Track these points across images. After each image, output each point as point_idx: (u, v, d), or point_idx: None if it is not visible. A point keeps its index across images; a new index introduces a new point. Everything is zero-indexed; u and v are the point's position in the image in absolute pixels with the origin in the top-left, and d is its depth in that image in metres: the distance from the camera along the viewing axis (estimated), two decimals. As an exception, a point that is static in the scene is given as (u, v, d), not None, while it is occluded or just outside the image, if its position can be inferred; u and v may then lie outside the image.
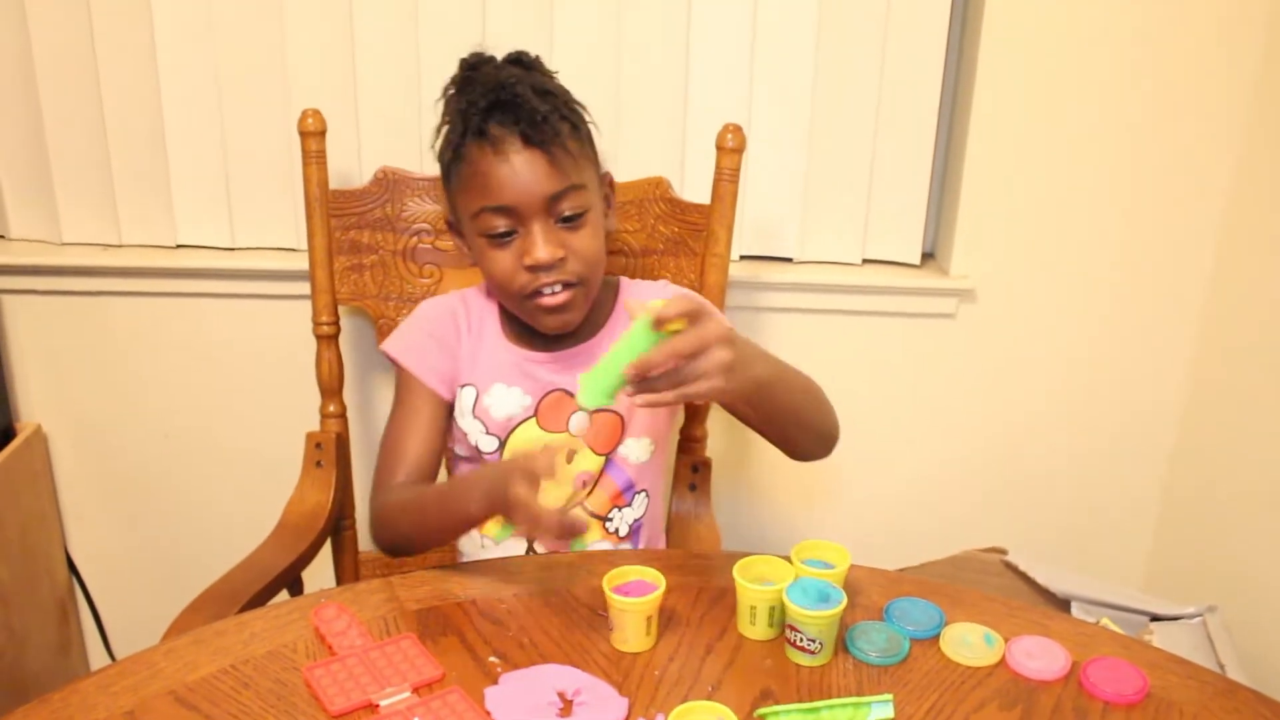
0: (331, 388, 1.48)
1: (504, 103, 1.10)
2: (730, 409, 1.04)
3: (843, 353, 1.67)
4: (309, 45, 1.52)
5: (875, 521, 1.73)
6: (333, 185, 1.47)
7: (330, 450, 1.46)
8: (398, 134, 1.56)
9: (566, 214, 1.12)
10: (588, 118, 1.18)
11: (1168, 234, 1.57)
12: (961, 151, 1.58)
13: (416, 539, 1.08)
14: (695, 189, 1.54)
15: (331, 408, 1.48)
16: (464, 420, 1.21)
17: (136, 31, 1.50)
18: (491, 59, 1.16)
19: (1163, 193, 1.55)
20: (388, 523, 1.10)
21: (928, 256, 1.69)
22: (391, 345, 1.22)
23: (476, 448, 1.22)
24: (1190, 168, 1.53)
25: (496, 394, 1.21)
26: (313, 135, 1.43)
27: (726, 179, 1.41)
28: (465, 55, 1.17)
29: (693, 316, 0.91)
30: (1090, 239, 1.58)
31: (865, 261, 1.65)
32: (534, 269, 1.13)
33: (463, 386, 1.21)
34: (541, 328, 1.19)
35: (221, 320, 1.64)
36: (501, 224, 1.13)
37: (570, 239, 1.13)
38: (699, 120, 1.55)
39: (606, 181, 1.21)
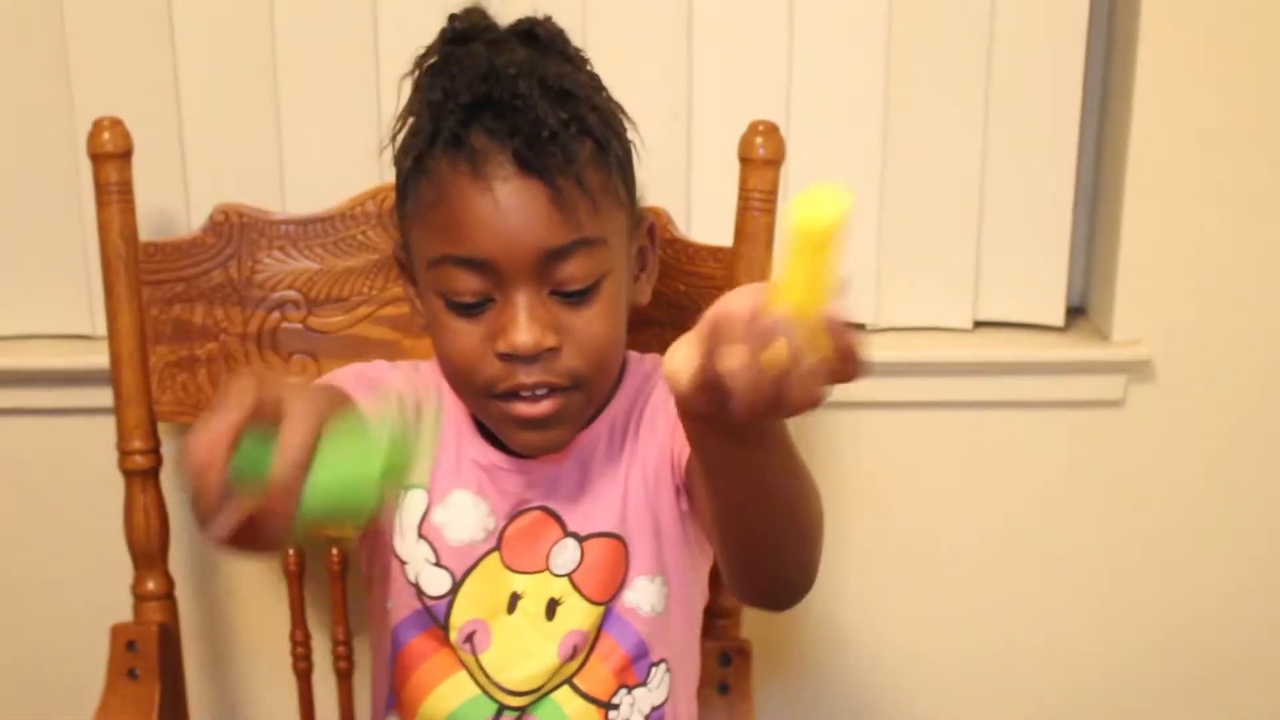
0: (149, 552, 1.48)
1: (496, 102, 1.13)
2: (706, 459, 0.98)
3: (944, 466, 1.68)
4: (101, 30, 1.56)
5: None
6: (146, 235, 1.49)
7: (150, 652, 1.45)
8: (244, 154, 1.58)
9: (570, 287, 1.15)
10: (628, 132, 1.21)
11: None
12: (1120, 151, 1.60)
13: None
14: (709, 224, 1.55)
15: (150, 584, 1.49)
16: (403, 542, 1.25)
17: None
18: (489, 26, 1.19)
19: None
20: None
21: (1076, 314, 1.70)
22: (324, 379, 1.26)
23: (418, 589, 1.25)
24: None
25: (455, 506, 1.25)
26: (112, 159, 1.44)
27: (757, 207, 1.42)
28: (454, 12, 1.20)
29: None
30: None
31: (978, 325, 1.66)
32: (509, 358, 1.14)
33: (405, 489, 1.23)
34: (510, 443, 1.22)
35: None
36: (471, 286, 1.14)
37: (571, 320, 1.15)
38: (711, 121, 1.58)
39: (644, 228, 1.25)
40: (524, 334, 1.13)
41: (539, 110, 1.12)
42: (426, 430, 0.84)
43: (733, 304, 0.79)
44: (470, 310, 1.15)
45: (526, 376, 1.15)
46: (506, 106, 1.12)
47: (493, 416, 1.20)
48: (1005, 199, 1.62)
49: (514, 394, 1.16)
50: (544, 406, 1.16)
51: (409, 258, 1.22)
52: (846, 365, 0.79)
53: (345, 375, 1.26)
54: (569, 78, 1.16)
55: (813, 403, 0.80)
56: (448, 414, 1.26)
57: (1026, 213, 1.62)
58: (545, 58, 1.17)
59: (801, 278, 0.78)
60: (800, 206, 0.76)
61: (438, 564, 1.25)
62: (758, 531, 1.03)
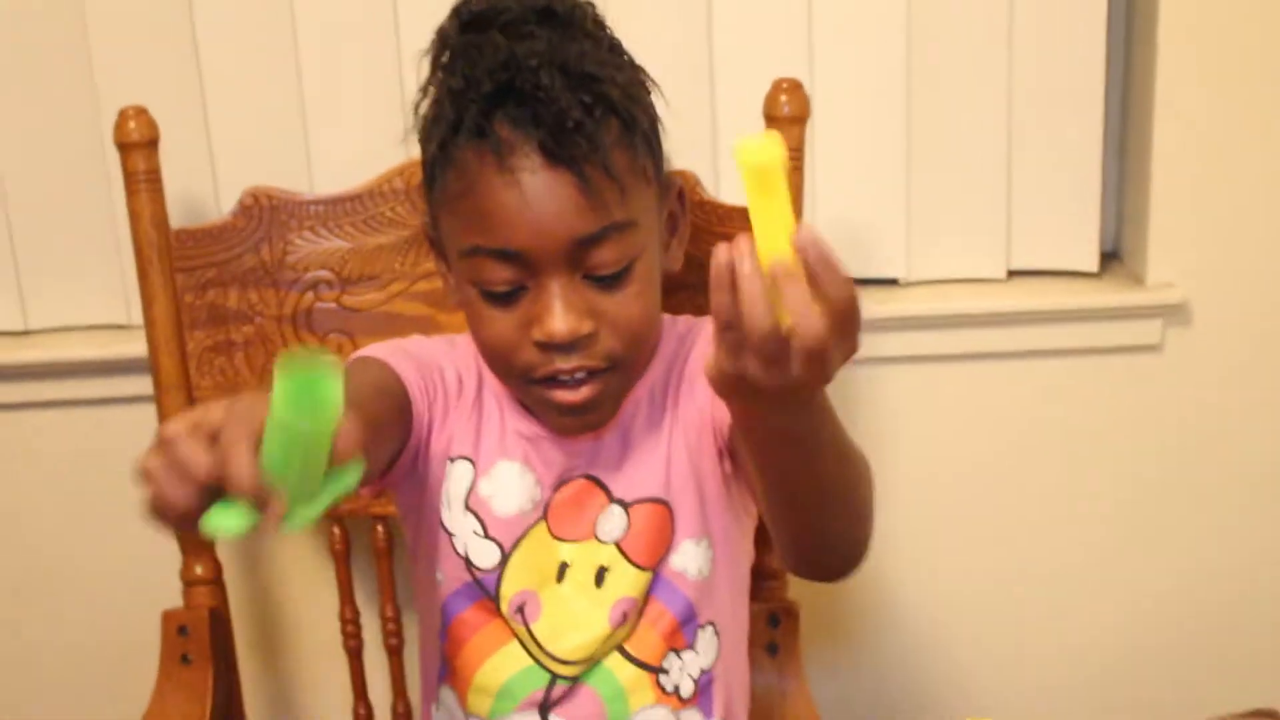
0: (196, 537, 1.48)
1: (519, 91, 1.12)
2: (751, 440, 1.00)
3: (982, 418, 1.67)
4: (122, 19, 1.56)
5: (1059, 683, 1.75)
6: (177, 223, 1.49)
7: (202, 637, 1.46)
8: (270, 137, 1.58)
9: (602, 271, 1.15)
10: (656, 99, 1.20)
11: None
12: (1147, 91, 1.59)
13: None
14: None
15: (199, 569, 1.51)
16: (451, 514, 1.25)
17: None
18: (507, 8, 1.17)
19: None
20: None
21: (1110, 259, 1.70)
22: (358, 353, 1.26)
23: (467, 562, 1.25)
24: None
25: (501, 477, 1.25)
26: (139, 148, 1.44)
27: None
28: None
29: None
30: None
31: (1012, 275, 1.66)
32: (546, 347, 1.15)
33: (452, 460, 1.24)
34: (551, 426, 1.23)
35: (13, 444, 1.65)
36: (503, 275, 1.15)
37: (605, 303, 1.15)
38: (735, 79, 1.57)
39: (673, 194, 1.24)
40: (560, 322, 1.13)
41: (563, 101, 1.11)
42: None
43: (720, 275, 0.84)
44: (505, 299, 1.16)
45: (564, 363, 1.15)
46: (529, 96, 1.12)
47: (532, 399, 1.21)
48: (1033, 145, 1.61)
49: (552, 380, 1.17)
50: (583, 393, 1.17)
51: (439, 240, 1.23)
52: (841, 301, 0.82)
53: (382, 348, 1.27)
54: (590, 58, 1.15)
55: (823, 356, 0.84)
56: (488, 387, 1.26)
57: (1056, 158, 1.61)
58: (565, 39, 1.15)
59: (770, 222, 0.83)
60: (742, 152, 0.82)
61: (486, 535, 1.25)
62: (804, 504, 1.03)
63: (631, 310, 1.16)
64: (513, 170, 1.12)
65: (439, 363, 1.26)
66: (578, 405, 1.18)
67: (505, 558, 1.25)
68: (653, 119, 1.20)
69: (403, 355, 1.24)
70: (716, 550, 1.27)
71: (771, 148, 0.82)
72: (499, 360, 1.19)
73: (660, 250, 1.21)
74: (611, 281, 1.15)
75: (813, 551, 1.09)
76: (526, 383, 1.18)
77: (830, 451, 0.98)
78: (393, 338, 1.37)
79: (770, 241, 0.83)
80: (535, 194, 1.12)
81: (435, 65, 1.18)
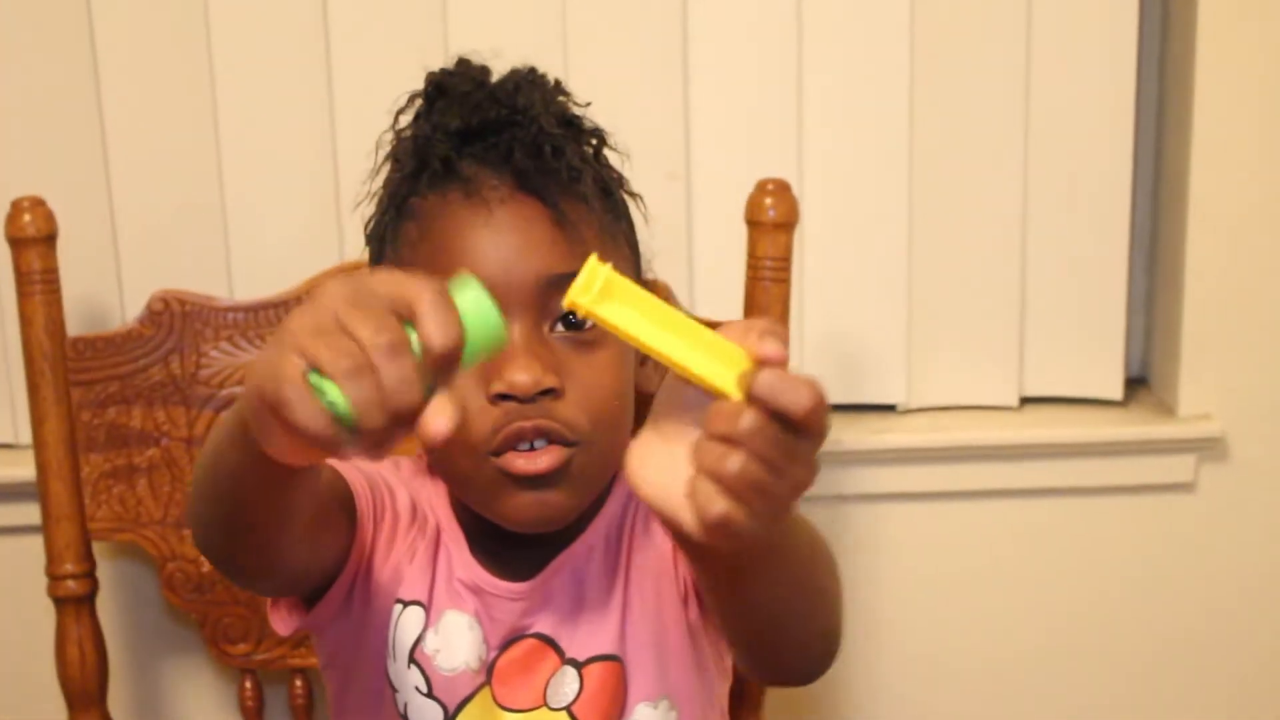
0: (85, 690, 1.46)
1: (493, 124, 1.14)
2: (700, 564, 0.98)
3: (990, 564, 1.66)
4: (19, 100, 1.56)
5: None
6: (75, 330, 1.48)
7: None
8: (184, 235, 1.58)
9: (575, 317, 1.12)
10: (631, 200, 1.22)
11: None
12: (1180, 199, 1.59)
13: (209, 499, 1.05)
14: (711, 296, 1.56)
15: None
16: (395, 666, 1.21)
17: None
18: (481, 68, 1.19)
19: None
20: (191, 507, 1.11)
21: (1136, 385, 1.69)
22: None
23: None
24: None
25: (449, 630, 1.21)
26: (33, 243, 1.43)
27: (769, 276, 1.42)
28: (432, 70, 1.21)
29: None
30: None
31: (1025, 402, 1.65)
32: (505, 398, 1.11)
33: (404, 604, 1.21)
34: (507, 516, 1.16)
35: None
36: None
37: (574, 364, 1.13)
38: (713, 179, 1.58)
39: None
40: (522, 371, 1.10)
41: (542, 124, 1.13)
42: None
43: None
44: None
45: (524, 420, 1.11)
46: (504, 124, 1.13)
47: (486, 483, 1.15)
48: (1051, 258, 1.62)
49: (510, 447, 1.12)
50: (545, 460, 1.12)
51: None
52: (798, 399, 0.80)
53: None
54: (575, 115, 1.19)
55: (805, 474, 0.83)
56: (444, 525, 1.24)
57: (1076, 273, 1.62)
58: (550, 90, 1.19)
59: (677, 344, 0.82)
60: (583, 294, 0.82)
61: (429, 694, 1.21)
62: (785, 614, 1.01)
63: (602, 379, 1.14)
64: (480, 198, 1.12)
65: (389, 482, 1.24)
66: (537, 476, 1.13)
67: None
68: (627, 210, 1.22)
69: (349, 465, 1.21)
70: (680, 712, 1.23)
71: (593, 271, 0.81)
72: (451, 438, 1.11)
73: (635, 356, 1.21)
74: (584, 341, 1.14)
75: (785, 662, 1.08)
76: (482, 457, 1.13)
77: (797, 559, 0.97)
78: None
79: (700, 365, 0.81)
80: (503, 224, 1.12)
81: (395, 138, 1.21)
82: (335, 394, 0.76)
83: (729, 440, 0.81)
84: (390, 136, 1.21)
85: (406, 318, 0.78)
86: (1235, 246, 1.57)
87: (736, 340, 0.83)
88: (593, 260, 0.82)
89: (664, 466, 0.82)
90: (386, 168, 1.21)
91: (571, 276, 1.08)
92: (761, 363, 0.81)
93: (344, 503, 1.19)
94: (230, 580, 1.21)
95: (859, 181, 1.58)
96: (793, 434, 0.81)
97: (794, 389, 0.80)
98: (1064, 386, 1.63)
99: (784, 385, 0.80)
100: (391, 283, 0.80)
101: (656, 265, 1.41)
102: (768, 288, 1.40)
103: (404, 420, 0.78)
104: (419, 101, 1.20)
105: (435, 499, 1.24)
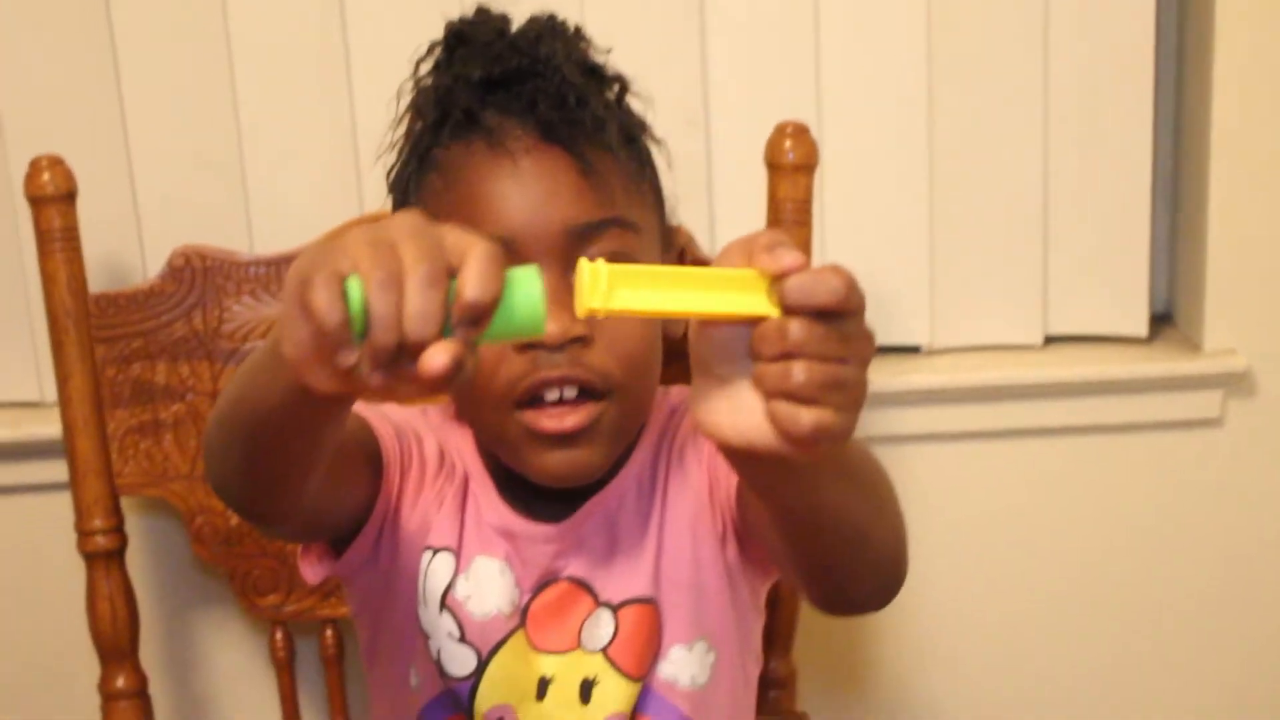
0: (117, 645, 1.47)
1: (515, 74, 1.13)
2: (783, 487, 0.97)
3: (1016, 503, 1.65)
4: (34, 59, 1.56)
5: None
6: (97, 287, 1.48)
7: None
8: (204, 190, 1.58)
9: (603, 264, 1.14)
10: (654, 143, 1.22)
11: None
12: (1202, 133, 1.58)
13: (229, 436, 1.04)
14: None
15: (120, 681, 1.48)
16: (427, 612, 1.22)
17: None
18: (501, 17, 1.19)
19: None
20: (208, 441, 1.10)
21: (1161, 322, 1.68)
22: None
23: (439, 668, 1.22)
24: None
25: (480, 575, 1.22)
26: (53, 202, 1.43)
27: (790, 218, 1.42)
28: (452, 20, 1.21)
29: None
30: None
31: (1049, 341, 1.64)
32: (532, 349, 1.12)
33: (434, 551, 1.22)
34: (535, 472, 1.17)
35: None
36: None
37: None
38: (733, 123, 1.58)
39: (675, 249, 1.26)
40: (550, 319, 1.11)
41: (565, 73, 1.13)
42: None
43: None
44: None
45: (552, 369, 1.12)
46: (527, 74, 1.13)
47: (514, 438, 1.16)
48: (1073, 194, 1.60)
49: (539, 399, 1.13)
50: (572, 419, 1.13)
51: None
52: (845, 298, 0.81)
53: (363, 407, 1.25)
54: (597, 63, 1.19)
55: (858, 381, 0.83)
56: (473, 470, 1.25)
57: (1099, 209, 1.60)
58: (570, 47, 1.18)
59: (700, 293, 0.82)
60: (587, 302, 0.81)
61: (462, 639, 1.22)
62: (848, 539, 1.00)
63: (631, 326, 1.15)
64: (505, 151, 1.13)
65: (417, 430, 1.24)
66: (565, 434, 1.14)
67: (481, 666, 1.22)
68: (652, 162, 1.22)
69: (376, 412, 1.22)
70: (719, 653, 1.24)
71: (592, 274, 0.81)
72: (478, 385, 1.15)
73: None
74: None
75: (859, 579, 1.06)
76: (509, 409, 1.14)
77: (858, 478, 0.98)
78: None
79: (729, 304, 0.81)
80: (529, 173, 1.13)
81: (415, 90, 1.20)
82: (358, 296, 0.77)
83: (786, 355, 0.80)
84: (410, 86, 1.21)
85: (456, 268, 0.78)
86: (1259, 179, 1.56)
87: (745, 263, 0.82)
88: (582, 264, 0.82)
89: (732, 407, 0.82)
90: (407, 118, 1.21)
91: (598, 225, 1.13)
92: (782, 274, 0.80)
93: (369, 451, 1.19)
94: (245, 521, 1.21)
95: (879, 123, 1.58)
96: (838, 320, 0.80)
97: (823, 283, 0.80)
98: (1088, 324, 1.63)
99: (813, 284, 0.80)
100: (456, 231, 0.81)
101: (679, 212, 1.43)
102: (789, 230, 1.39)
103: (410, 350, 0.78)
104: (438, 51, 1.20)
105: (463, 446, 1.24)
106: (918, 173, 1.58)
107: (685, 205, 1.47)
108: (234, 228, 1.56)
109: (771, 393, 0.81)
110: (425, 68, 1.21)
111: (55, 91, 1.56)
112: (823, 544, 1.00)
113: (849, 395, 0.82)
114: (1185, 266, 1.64)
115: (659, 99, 1.48)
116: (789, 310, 0.80)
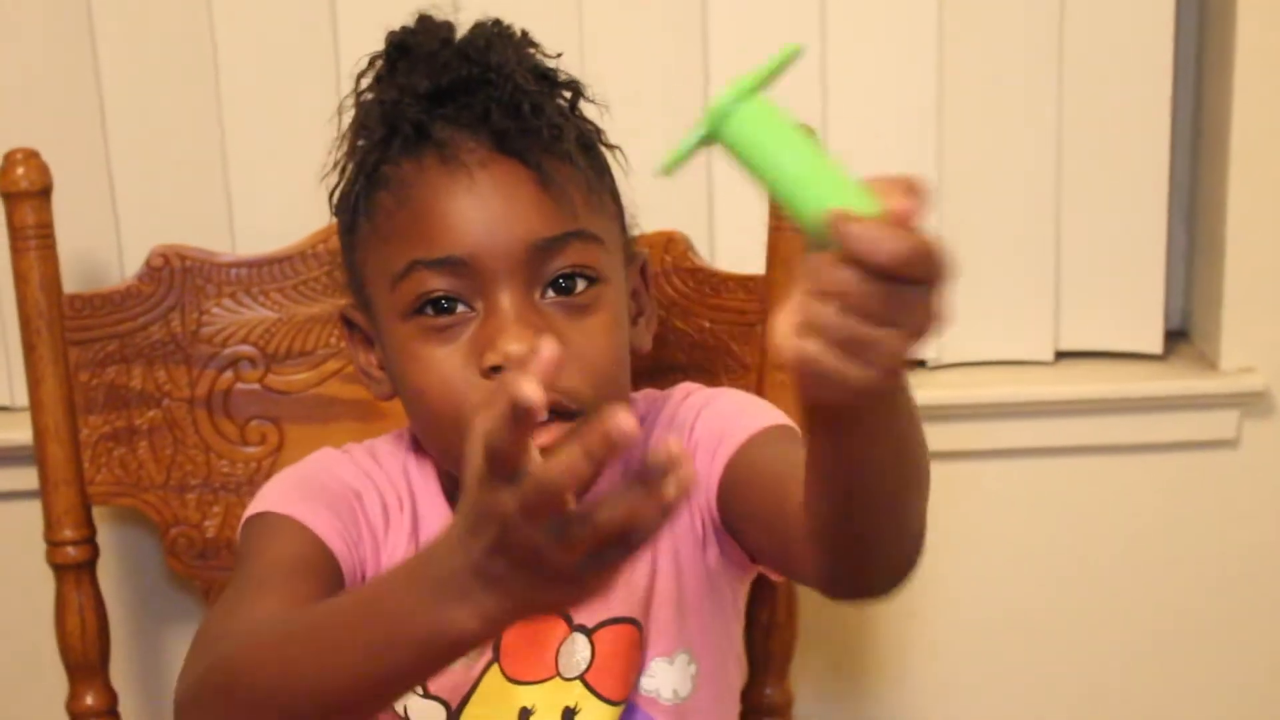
0: (87, 661, 1.47)
1: (465, 84, 1.12)
2: (833, 452, 0.96)
3: (1024, 524, 1.65)
4: (10, 50, 1.56)
5: None
6: (72, 287, 1.47)
7: None
8: (185, 188, 1.58)
9: (566, 281, 1.13)
10: (610, 153, 1.21)
11: None
12: (1221, 145, 1.57)
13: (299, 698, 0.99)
14: (735, 250, 1.54)
15: (89, 699, 1.47)
16: None
17: None
18: (445, 24, 1.18)
19: None
20: (223, 689, 1.03)
21: (1176, 339, 1.68)
22: (254, 508, 1.22)
23: None
24: None
25: None
26: (27, 198, 1.42)
27: (792, 227, 1.38)
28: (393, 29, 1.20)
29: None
30: None
31: (1061, 357, 1.64)
32: (500, 370, 1.10)
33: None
34: None
35: None
36: (444, 290, 1.12)
37: (569, 331, 1.13)
38: None
39: (637, 267, 1.25)
40: (515, 340, 1.10)
41: (518, 80, 1.12)
42: None
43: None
44: (445, 328, 1.13)
45: None
46: (477, 83, 1.12)
47: None
48: (1086, 206, 1.60)
49: None
50: (543, 438, 1.10)
51: (365, 302, 1.20)
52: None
53: (279, 495, 1.21)
54: (548, 68, 1.18)
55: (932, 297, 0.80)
56: (424, 508, 1.23)
57: (1113, 221, 1.60)
58: (520, 43, 1.18)
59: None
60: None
61: (426, 695, 1.21)
62: (869, 517, 0.99)
63: (599, 343, 1.14)
64: (459, 163, 1.12)
65: (354, 489, 1.23)
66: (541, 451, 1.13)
67: (453, 717, 1.21)
68: (609, 169, 1.21)
69: (310, 501, 1.20)
70: (700, 663, 1.24)
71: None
72: (444, 414, 1.14)
73: (624, 304, 1.21)
74: (576, 305, 1.14)
75: (858, 561, 1.04)
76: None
77: (910, 441, 0.96)
78: (322, 425, 1.40)
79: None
80: (485, 187, 1.12)
81: (357, 103, 1.20)
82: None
83: (823, 295, 0.78)
84: (351, 102, 1.20)
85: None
86: (1278, 194, 1.56)
87: (881, 191, 0.79)
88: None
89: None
90: (348, 135, 1.20)
91: (560, 239, 1.12)
92: (887, 215, 0.77)
93: (322, 571, 1.17)
94: None
95: (887, 131, 1.58)
96: (891, 282, 0.77)
97: (887, 240, 0.76)
98: (1101, 340, 1.62)
99: (877, 237, 0.76)
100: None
101: (677, 218, 1.47)
102: (792, 238, 1.39)
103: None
104: (379, 64, 1.19)
105: (418, 478, 1.24)
106: (927, 184, 1.58)
107: (686, 214, 1.53)
108: (215, 228, 1.55)
109: (801, 321, 0.80)
110: (366, 81, 1.20)
111: (31, 83, 1.56)
112: (859, 506, 0.99)
113: (872, 355, 0.79)
114: (1202, 281, 1.64)
115: (661, 104, 1.53)
116: (847, 254, 0.77)
